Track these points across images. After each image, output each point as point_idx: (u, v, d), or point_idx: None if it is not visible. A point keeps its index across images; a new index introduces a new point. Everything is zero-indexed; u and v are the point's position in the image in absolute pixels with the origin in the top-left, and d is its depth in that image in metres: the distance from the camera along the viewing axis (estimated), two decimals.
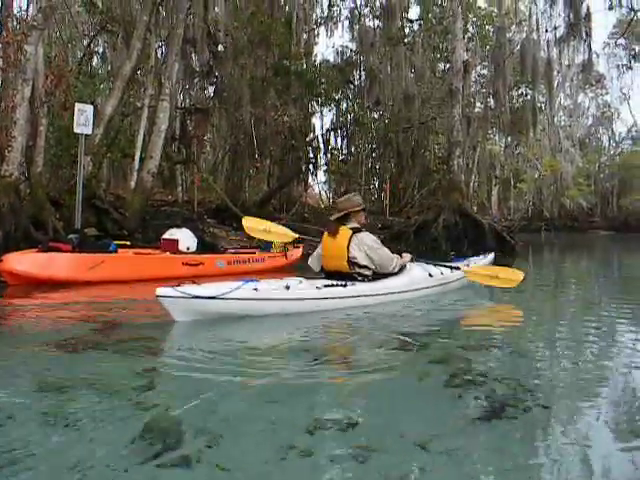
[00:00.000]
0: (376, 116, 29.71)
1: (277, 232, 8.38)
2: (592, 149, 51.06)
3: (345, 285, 6.68)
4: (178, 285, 5.79)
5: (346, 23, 28.43)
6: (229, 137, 22.44)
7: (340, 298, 6.59)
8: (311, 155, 28.25)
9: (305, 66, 24.64)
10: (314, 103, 27.09)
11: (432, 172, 29.55)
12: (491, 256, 10.53)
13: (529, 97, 31.13)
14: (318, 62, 27.35)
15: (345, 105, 30.10)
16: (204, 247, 11.51)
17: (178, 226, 11.41)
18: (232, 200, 20.13)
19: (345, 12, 28.69)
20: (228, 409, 3.41)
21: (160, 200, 20.59)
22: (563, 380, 4.18)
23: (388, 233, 20.11)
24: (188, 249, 10.64)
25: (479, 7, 32.31)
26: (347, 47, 29.13)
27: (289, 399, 3.60)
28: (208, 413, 3.29)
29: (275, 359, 4.64)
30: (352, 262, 6.87)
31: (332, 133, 30.23)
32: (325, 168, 30.64)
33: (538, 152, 41.13)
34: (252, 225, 8.23)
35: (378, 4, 27.57)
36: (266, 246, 12.76)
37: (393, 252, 7.32)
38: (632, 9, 25.20)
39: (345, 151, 31.15)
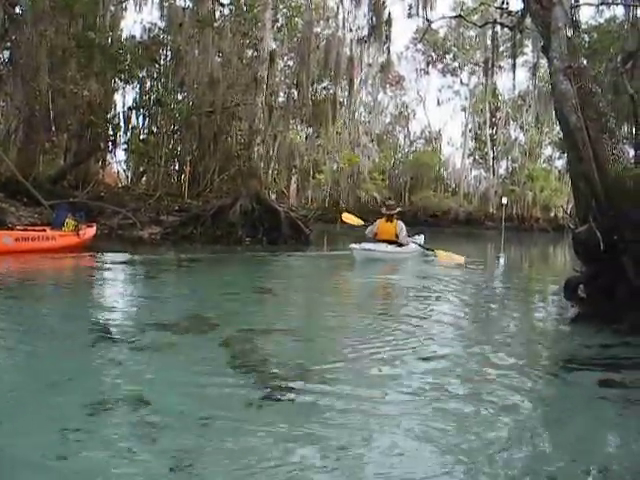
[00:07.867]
0: (180, 98, 29.96)
1: None
2: (388, 146, 54.29)
3: (401, 246, 14.97)
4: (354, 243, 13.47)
5: (156, 0, 28.33)
6: (24, 107, 21.78)
7: (400, 253, 14.82)
8: (111, 132, 28.22)
9: (110, 40, 24.57)
10: (117, 79, 26.90)
11: (233, 158, 30.41)
12: (422, 236, 17.65)
13: (331, 91, 32.76)
14: (124, 37, 27.38)
15: (149, 84, 30.26)
16: None
17: None
18: (24, 174, 19.74)
19: None
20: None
21: None
22: (345, 366, 4.61)
23: (185, 216, 20.55)
24: None
25: None
26: (155, 25, 29.27)
27: (73, 381, 3.90)
28: None
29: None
30: (396, 235, 14.89)
31: (134, 112, 30.34)
32: (125, 147, 30.57)
33: (338, 145, 43.19)
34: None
35: None
36: (57, 224, 12.67)
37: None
38: (427, 19, 27.85)
39: (146, 131, 31.20)
